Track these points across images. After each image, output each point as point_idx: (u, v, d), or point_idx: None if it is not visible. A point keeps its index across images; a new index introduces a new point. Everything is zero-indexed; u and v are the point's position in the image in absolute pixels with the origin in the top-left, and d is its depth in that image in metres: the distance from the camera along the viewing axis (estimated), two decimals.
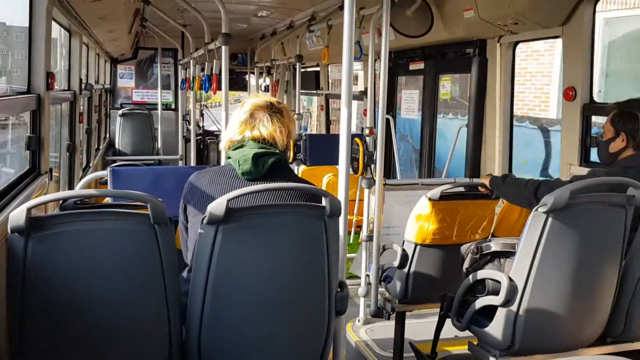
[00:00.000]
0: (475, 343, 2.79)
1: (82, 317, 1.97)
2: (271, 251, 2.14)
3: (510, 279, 2.53)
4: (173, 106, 10.89)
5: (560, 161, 4.20)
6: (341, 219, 2.34)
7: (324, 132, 10.01)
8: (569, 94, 3.93)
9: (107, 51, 9.04)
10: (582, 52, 3.86)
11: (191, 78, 7.47)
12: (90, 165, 6.98)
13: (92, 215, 2.02)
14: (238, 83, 12.07)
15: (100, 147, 8.90)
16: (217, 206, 2.02)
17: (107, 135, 10.27)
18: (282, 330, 2.17)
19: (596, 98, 3.94)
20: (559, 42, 4.29)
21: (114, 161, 9.36)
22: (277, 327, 2.16)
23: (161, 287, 2.03)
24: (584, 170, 3.23)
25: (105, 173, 3.75)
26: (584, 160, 3.90)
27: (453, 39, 5.14)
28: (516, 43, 4.71)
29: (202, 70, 7.75)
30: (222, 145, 2.51)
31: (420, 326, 4.00)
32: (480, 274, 2.77)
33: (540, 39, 4.82)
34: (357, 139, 4.08)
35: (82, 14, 4.58)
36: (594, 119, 3.97)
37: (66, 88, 5.25)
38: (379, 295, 3.75)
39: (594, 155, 3.87)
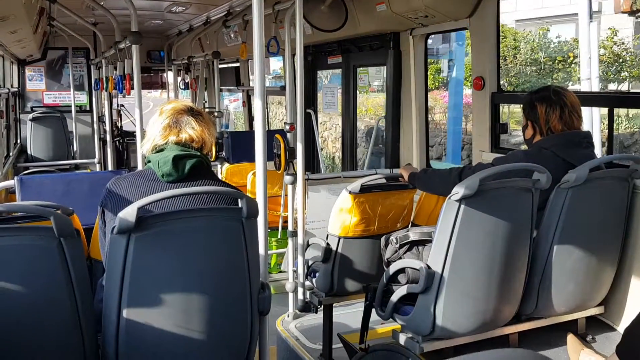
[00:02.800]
0: (399, 330, 2.86)
1: None
2: (188, 257, 2.10)
3: (428, 267, 2.61)
4: (88, 107, 10.44)
5: (473, 148, 4.36)
6: (260, 219, 2.33)
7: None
8: (478, 83, 4.08)
9: (12, 52, 8.54)
10: (488, 43, 4.01)
11: (104, 78, 7.20)
12: (0, 174, 6.59)
13: None
14: (157, 80, 11.74)
15: (11, 154, 8.41)
16: (127, 214, 1.96)
17: (18, 141, 9.73)
18: (203, 336, 2.13)
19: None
20: None
21: (27, 168, 8.88)
22: (198, 333, 2.12)
23: (71, 300, 1.94)
24: (495, 156, 3.36)
25: (13, 182, 3.55)
26: (495, 146, 4.07)
27: (367, 32, 5.21)
28: (428, 35, 4.84)
29: (115, 69, 7.50)
30: (144, 150, 2.48)
31: (347, 317, 4.06)
32: (400, 264, 2.84)
33: (450, 30, 4.98)
34: (277, 135, 4.06)
35: None
36: None
37: None
38: (306, 290, 3.76)
39: (503, 142, 4.05)
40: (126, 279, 1.99)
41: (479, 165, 3.12)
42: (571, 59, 15.94)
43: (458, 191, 2.48)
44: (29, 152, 9.53)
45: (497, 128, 4.05)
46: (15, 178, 3.50)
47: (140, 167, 4.51)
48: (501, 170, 2.67)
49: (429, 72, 5.04)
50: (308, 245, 3.75)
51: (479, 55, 4.14)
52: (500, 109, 4.11)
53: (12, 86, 9.26)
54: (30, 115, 9.63)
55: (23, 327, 1.89)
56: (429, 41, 4.95)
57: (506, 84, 16.03)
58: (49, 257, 1.89)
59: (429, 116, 5.06)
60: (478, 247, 2.60)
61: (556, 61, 16.51)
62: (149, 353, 2.07)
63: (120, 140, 10.91)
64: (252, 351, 2.33)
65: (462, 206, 2.50)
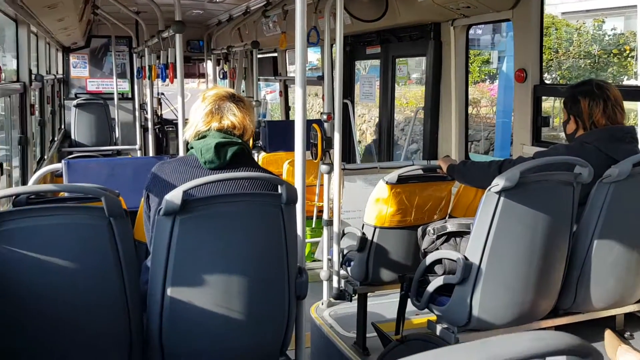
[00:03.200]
0: (435, 320, 2.87)
1: (39, 314, 1.94)
2: (229, 240, 2.15)
3: (466, 258, 2.61)
4: (129, 95, 10.67)
5: (513, 141, 4.31)
6: (298, 206, 2.37)
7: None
8: (520, 75, 4.03)
9: (58, 40, 8.78)
10: (531, 35, 3.95)
11: (147, 67, 7.34)
12: (45, 157, 6.81)
13: (45, 211, 1.99)
14: (195, 70, 11.90)
15: (56, 139, 8.68)
16: (173, 197, 2.02)
17: (63, 127, 10.01)
18: (243, 317, 2.19)
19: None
20: None
21: (71, 153, 9.15)
22: (237, 313, 2.17)
23: (120, 279, 2.02)
24: (537, 150, 3.33)
25: (60, 166, 3.68)
26: (536, 140, 4.02)
27: (408, 22, 5.18)
28: (469, 26, 4.79)
29: (158, 58, 7.64)
30: (187, 137, 2.51)
31: (382, 307, 4.08)
32: (437, 254, 2.84)
33: (492, 22, 4.92)
34: (314, 125, 4.10)
35: (29, 3, 4.44)
36: None
37: (15, 80, 5.09)
38: (340, 278, 3.80)
39: (545, 135, 3.99)
40: (170, 259, 2.06)
41: (519, 158, 3.09)
42: (627, 52, 15.43)
43: (498, 183, 2.47)
44: (72, 137, 9.81)
45: (539, 121, 3.99)
46: (63, 161, 3.63)
47: (181, 153, 4.61)
48: (542, 163, 2.65)
49: (474, 64, 4.98)
50: (343, 234, 3.78)
51: (522, 48, 4.08)
52: (545, 104, 4.03)
53: (57, 73, 9.52)
54: (75, 102, 9.90)
55: (74, 301, 1.98)
56: (479, 31, 4.89)
57: (558, 78, 15.62)
58: (100, 235, 1.97)
59: (475, 109, 5.01)
60: (517, 239, 2.59)
61: (611, 54, 15.99)
62: (191, 331, 2.14)
63: (160, 128, 11.13)
64: (289, 334, 2.38)
65: (502, 198, 2.49)
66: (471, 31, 4.94)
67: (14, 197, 2.40)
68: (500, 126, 14.72)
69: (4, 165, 3.29)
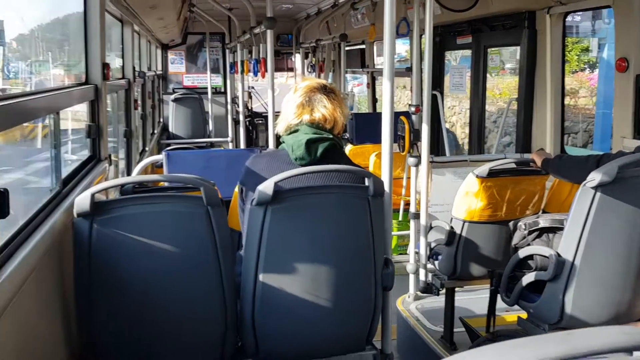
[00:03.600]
0: (525, 317, 2.80)
1: (142, 293, 2.11)
2: (318, 230, 2.22)
3: (559, 254, 2.53)
4: (222, 89, 11.09)
5: (613, 134, 4.09)
6: (386, 198, 2.39)
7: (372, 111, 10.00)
8: (621, 65, 3.80)
9: (157, 38, 9.28)
10: (634, 21, 3.72)
11: (239, 62, 7.59)
12: (147, 149, 7.24)
13: (150, 199, 2.15)
14: (284, 65, 12.15)
15: (155, 132, 9.18)
16: (266, 188, 2.12)
17: (161, 120, 10.58)
18: (330, 305, 2.25)
19: None
20: None
21: (169, 145, 9.68)
22: (325, 301, 2.24)
23: (216, 265, 2.14)
24: (638, 143, 3.15)
25: (161, 157, 3.92)
26: (638, 132, 3.79)
27: (501, 11, 5.03)
28: (566, 14, 4.58)
29: (250, 53, 7.88)
30: (279, 130, 2.51)
31: (470, 301, 4.03)
32: (529, 250, 2.78)
33: (591, 9, 4.67)
34: (402, 117, 4.09)
35: (133, 4, 4.74)
36: None
37: (121, 76, 5.46)
38: (428, 272, 3.79)
39: None
40: (262, 247, 2.15)
41: (619, 153, 2.94)
42: None
43: (594, 177, 2.38)
44: (170, 130, 10.35)
45: None
46: (164, 153, 3.86)
47: (271, 145, 4.76)
48: None
49: (573, 52, 4.76)
50: (431, 227, 3.76)
51: (623, 35, 3.85)
52: None
53: (157, 69, 10.07)
54: (173, 96, 10.43)
55: (175, 283, 2.13)
56: (577, 18, 4.66)
57: None
58: (199, 223, 2.10)
59: (573, 100, 4.79)
60: (614, 236, 2.48)
61: None
62: (281, 316, 2.24)
63: (250, 121, 11.49)
64: (375, 325, 2.42)
65: (598, 194, 2.39)
66: (569, 17, 4.71)
67: (121, 186, 2.60)
68: (601, 117, 13.87)
69: (112, 156, 3.56)
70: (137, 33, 6.71)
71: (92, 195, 2.04)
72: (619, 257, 2.49)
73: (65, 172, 2.75)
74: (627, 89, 3.82)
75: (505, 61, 14.61)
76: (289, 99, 2.51)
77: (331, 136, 2.39)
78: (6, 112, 1.79)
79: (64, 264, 2.16)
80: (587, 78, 15.92)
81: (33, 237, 1.86)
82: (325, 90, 2.48)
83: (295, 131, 2.41)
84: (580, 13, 4.64)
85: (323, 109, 2.42)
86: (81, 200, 2.04)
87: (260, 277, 2.17)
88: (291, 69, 12.21)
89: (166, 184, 3.38)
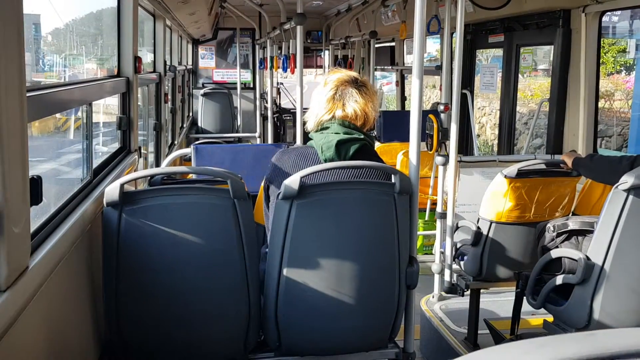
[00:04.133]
0: (551, 321, 2.76)
1: (168, 282, 2.14)
2: (342, 226, 2.22)
3: (588, 258, 2.48)
4: (251, 85, 11.16)
5: None
6: (412, 196, 2.38)
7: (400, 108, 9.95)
8: None
9: (188, 33, 9.38)
10: None
11: (268, 58, 7.63)
12: (175, 142, 7.33)
13: (177, 190, 2.18)
14: (313, 62, 12.16)
15: (184, 126, 9.29)
16: (292, 182, 2.12)
17: (190, 114, 10.70)
18: (353, 301, 2.25)
19: None
20: None
21: (197, 139, 9.75)
22: (348, 297, 2.24)
23: (241, 256, 2.16)
24: None
25: (189, 151, 3.96)
26: None
27: (534, 9, 4.95)
28: (603, 12, 4.48)
29: (279, 49, 7.90)
30: (309, 126, 2.44)
31: (495, 304, 3.98)
32: (557, 252, 2.73)
33: (630, 7, 4.55)
34: (431, 115, 4.06)
35: None
36: None
37: (152, 70, 5.53)
38: (453, 272, 3.75)
39: None
40: (287, 240, 2.16)
41: None
42: None
43: (627, 180, 2.32)
44: (199, 124, 10.46)
45: None
46: (192, 146, 3.90)
47: (298, 141, 4.77)
48: None
49: (609, 54, 4.65)
50: (457, 227, 3.73)
51: None
52: None
53: (187, 64, 10.18)
54: (202, 91, 10.54)
55: (201, 273, 2.15)
56: (614, 18, 4.56)
57: None
58: (225, 215, 2.12)
59: (608, 103, 4.69)
60: None
61: None
62: (304, 311, 2.24)
63: (278, 117, 11.53)
64: (398, 322, 2.41)
65: (631, 196, 2.34)
66: (605, 18, 4.61)
67: (150, 177, 2.64)
68: (636, 121, 13.52)
69: (141, 149, 3.61)
70: (169, 28, 6.80)
71: (122, 186, 2.08)
72: None
73: (96, 163, 2.81)
74: None
75: (538, 62, 14.37)
76: (319, 92, 2.42)
77: (362, 136, 2.33)
78: (40, 102, 1.83)
79: (94, 252, 2.20)
80: (624, 81, 15.54)
81: (64, 225, 1.91)
82: (357, 83, 2.39)
83: (325, 128, 2.35)
84: (618, 13, 4.51)
85: (354, 103, 2.35)
86: (111, 190, 2.08)
87: (285, 271, 2.18)
88: (320, 66, 12.21)
89: (194, 177, 3.42)
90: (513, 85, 5.93)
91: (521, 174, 3.28)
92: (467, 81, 6.45)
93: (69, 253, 1.88)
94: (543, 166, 3.46)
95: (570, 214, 3.49)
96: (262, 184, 2.53)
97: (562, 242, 2.84)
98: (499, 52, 6.28)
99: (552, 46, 4.96)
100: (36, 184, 1.57)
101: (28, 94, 1.54)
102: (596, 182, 3.23)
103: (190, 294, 2.18)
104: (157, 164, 5.34)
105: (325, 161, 2.30)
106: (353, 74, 2.47)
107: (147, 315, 2.17)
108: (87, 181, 2.42)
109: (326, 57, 11.42)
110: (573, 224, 2.84)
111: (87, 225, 2.11)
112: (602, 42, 4.87)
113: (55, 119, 2.93)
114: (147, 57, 5.77)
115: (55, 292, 1.76)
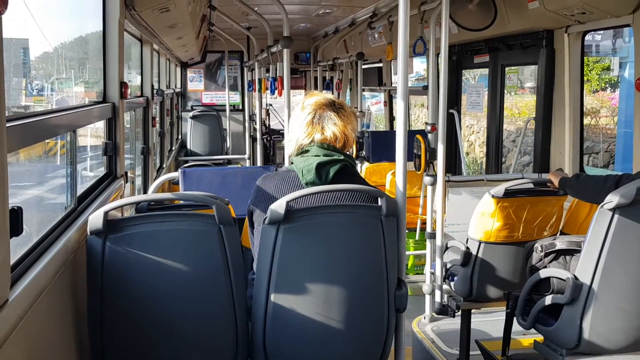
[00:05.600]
0: (541, 341, 2.75)
1: (154, 311, 2.11)
2: (330, 250, 2.21)
3: (576, 278, 2.48)
4: (240, 107, 11.18)
5: (634, 154, 4.02)
6: (399, 218, 2.37)
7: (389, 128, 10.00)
8: None
9: (177, 56, 9.40)
10: None
11: (257, 80, 7.66)
12: (164, 166, 7.30)
13: (162, 217, 2.16)
14: (302, 83, 12.23)
15: (173, 149, 9.27)
16: (278, 207, 2.11)
17: (179, 137, 10.68)
18: (342, 326, 2.23)
19: None
20: None
21: (186, 161, 9.75)
22: (336, 322, 2.22)
23: (228, 283, 2.14)
24: None
25: (177, 174, 3.94)
26: None
27: (518, 30, 5.01)
28: (585, 32, 4.55)
29: (267, 71, 7.94)
30: (289, 151, 2.44)
31: (486, 324, 3.97)
32: (545, 272, 2.73)
33: (610, 28, 4.62)
34: (418, 136, 4.08)
35: (152, 24, 4.81)
36: None
37: (139, 94, 5.53)
38: (443, 293, 3.74)
39: None
40: (274, 265, 2.15)
41: (639, 174, 2.88)
42: None
43: (612, 199, 2.33)
44: (188, 147, 10.44)
45: None
46: (180, 170, 3.89)
47: (287, 163, 4.77)
48: None
49: (593, 72, 4.71)
50: (447, 247, 3.72)
51: None
52: None
53: (176, 87, 10.19)
54: (191, 114, 10.54)
55: (186, 301, 2.12)
56: (598, 37, 4.62)
57: None
58: (211, 241, 2.10)
59: (594, 120, 4.74)
60: (633, 259, 2.42)
61: None
62: (293, 336, 2.22)
63: (268, 138, 11.55)
64: (388, 347, 2.38)
65: (616, 215, 2.35)
66: (589, 36, 4.67)
67: (136, 203, 2.61)
68: (622, 137, 13.66)
69: (129, 173, 3.59)
70: (157, 52, 6.81)
71: (105, 213, 2.06)
72: (638, 281, 2.44)
73: (83, 189, 2.78)
74: None
75: (525, 79, 14.54)
76: (296, 117, 2.43)
77: (342, 157, 2.34)
78: (22, 131, 1.82)
79: (78, 282, 2.17)
80: (609, 98, 15.72)
81: (47, 255, 1.88)
82: (334, 106, 2.40)
83: (305, 151, 2.35)
84: (601, 32, 4.58)
85: (334, 126, 2.36)
86: (94, 218, 2.06)
87: (272, 296, 2.16)
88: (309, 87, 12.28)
89: (182, 202, 3.39)
90: (499, 104, 5.98)
91: (509, 194, 3.29)
92: (454, 101, 6.51)
93: (51, 284, 1.85)
94: (530, 185, 3.47)
95: (559, 232, 3.50)
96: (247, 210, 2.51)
97: (550, 261, 2.84)
98: (486, 71, 6.35)
99: (536, 66, 5.01)
100: (16, 215, 1.55)
101: (8, 124, 1.53)
102: (581, 200, 3.25)
103: (176, 322, 2.14)
104: (145, 188, 5.30)
105: (307, 184, 2.30)
106: (330, 96, 2.49)
107: (134, 345, 2.14)
108: (71, 209, 2.39)
109: (312, 79, 11.48)
110: (560, 243, 2.84)
111: (71, 254, 2.08)
112: (586, 60, 4.93)
113: (41, 144, 2.91)
114: (135, 81, 5.77)
115: (37, 324, 1.73)
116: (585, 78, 4.69)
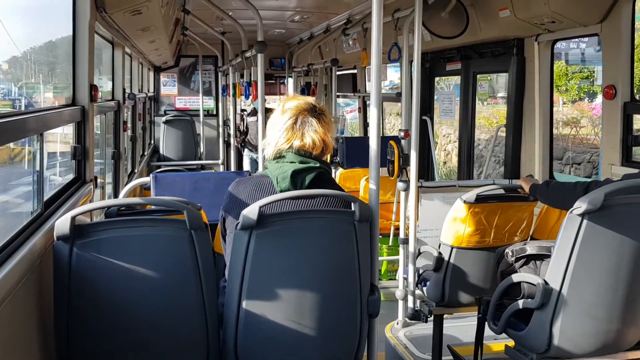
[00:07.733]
0: (512, 346, 2.77)
1: (123, 319, 2.06)
2: (302, 255, 2.19)
3: (546, 282, 2.51)
4: (214, 112, 11.11)
5: (601, 161, 4.11)
6: (372, 223, 2.37)
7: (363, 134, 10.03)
8: (609, 92, 3.84)
9: (150, 60, 9.30)
10: (621, 49, 3.77)
11: (231, 85, 7.62)
12: (135, 171, 7.20)
13: (131, 222, 2.12)
14: (277, 89, 12.21)
15: (145, 154, 9.15)
16: (250, 212, 2.09)
17: (152, 142, 10.55)
18: (314, 332, 2.21)
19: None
20: None
21: (159, 167, 9.63)
22: (309, 329, 2.20)
23: (198, 289, 2.11)
24: (626, 170, 3.16)
25: (148, 180, 3.89)
26: (626, 159, 3.81)
27: (489, 38, 5.09)
28: (555, 41, 4.64)
29: (242, 76, 7.91)
30: (267, 155, 2.38)
31: (458, 329, 3.99)
32: (516, 277, 2.75)
33: (579, 37, 4.72)
34: (391, 142, 4.10)
35: (124, 27, 4.75)
36: None
37: (110, 98, 5.44)
38: (416, 298, 3.75)
39: (636, 155, 3.78)
40: (246, 271, 2.12)
41: (607, 180, 2.93)
42: None
43: (580, 205, 2.37)
44: (161, 152, 10.31)
45: (629, 140, 3.79)
46: (151, 175, 3.83)
47: (260, 168, 4.75)
48: (630, 185, 2.51)
49: (573, 81, 4.80)
50: (419, 253, 3.74)
51: (611, 63, 3.90)
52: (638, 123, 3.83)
53: (148, 91, 10.07)
54: (164, 118, 10.42)
55: (156, 308, 2.08)
56: (582, 45, 4.72)
57: None
58: (181, 246, 2.07)
59: (574, 130, 4.82)
60: (602, 265, 2.46)
61: None
62: (265, 343, 2.19)
63: (242, 144, 11.48)
64: (361, 352, 2.38)
65: (585, 221, 2.39)
66: (573, 44, 4.76)
67: (105, 208, 2.56)
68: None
69: (98, 178, 3.52)
70: (129, 55, 6.72)
71: (73, 218, 2.01)
72: (606, 287, 2.48)
73: (50, 194, 2.71)
74: (615, 116, 3.86)
75: (499, 89, 14.72)
76: (276, 120, 2.37)
77: (318, 165, 2.30)
78: None
79: (44, 289, 2.11)
80: (590, 108, 15.78)
81: (10, 261, 1.82)
82: (315, 112, 2.35)
83: (282, 157, 2.31)
84: (585, 40, 4.69)
85: (314, 133, 2.31)
86: (61, 223, 2.01)
87: (244, 303, 2.14)
88: (283, 94, 12.27)
89: (153, 207, 3.34)
90: (471, 111, 6.05)
91: (480, 199, 3.32)
92: (427, 108, 6.57)
93: (15, 291, 1.79)
94: (501, 191, 3.51)
95: (529, 237, 3.54)
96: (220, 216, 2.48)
97: (521, 266, 2.87)
98: (459, 79, 6.42)
99: (507, 73, 5.10)
100: None
101: None
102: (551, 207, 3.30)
103: (146, 329, 2.10)
104: (116, 194, 5.22)
105: (281, 192, 2.27)
106: (311, 100, 2.43)
107: (102, 354, 2.09)
108: (37, 213, 2.33)
109: (289, 84, 11.47)
110: (531, 248, 2.88)
111: (37, 260, 2.03)
112: (566, 69, 5.01)
113: (8, 150, 2.84)
114: (107, 86, 5.68)
115: (1, 332, 1.68)
116: (564, 87, 4.77)
